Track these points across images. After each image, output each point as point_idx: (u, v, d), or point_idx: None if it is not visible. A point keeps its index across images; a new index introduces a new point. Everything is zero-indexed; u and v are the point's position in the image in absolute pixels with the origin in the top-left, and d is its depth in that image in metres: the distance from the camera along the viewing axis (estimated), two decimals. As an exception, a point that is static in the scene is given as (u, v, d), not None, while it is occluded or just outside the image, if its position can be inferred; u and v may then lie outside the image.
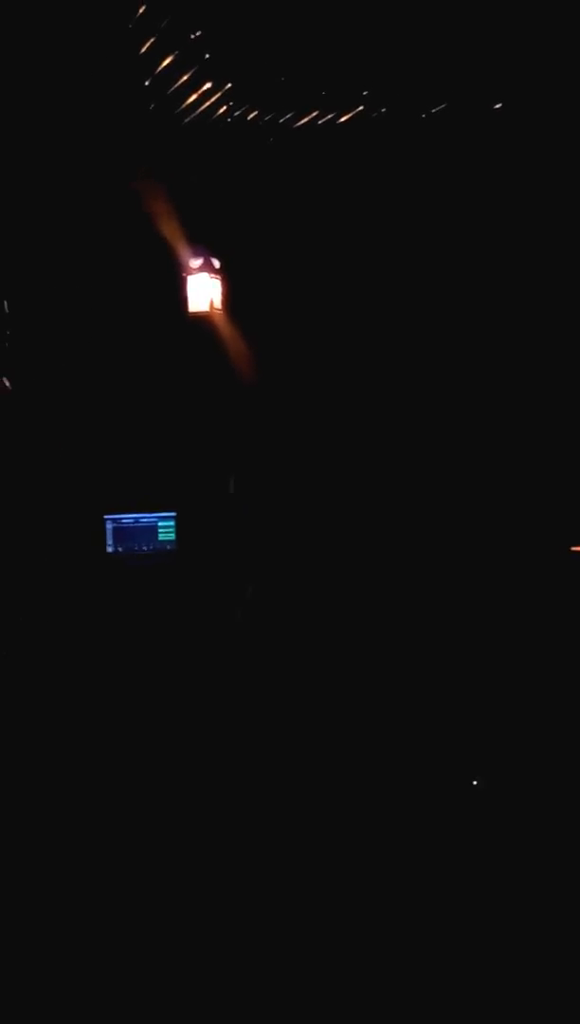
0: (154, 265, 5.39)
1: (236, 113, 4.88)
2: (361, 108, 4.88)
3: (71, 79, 4.46)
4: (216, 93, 4.67)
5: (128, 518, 5.54)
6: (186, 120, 4.90)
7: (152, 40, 4.21)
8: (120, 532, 5.53)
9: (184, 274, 5.39)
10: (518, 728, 4.46)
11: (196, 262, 5.36)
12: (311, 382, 5.55)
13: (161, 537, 5.55)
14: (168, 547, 5.55)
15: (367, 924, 3.13)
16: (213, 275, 5.39)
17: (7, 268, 5.23)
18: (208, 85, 4.60)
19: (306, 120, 4.98)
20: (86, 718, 4.70)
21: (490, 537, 5.35)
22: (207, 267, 5.37)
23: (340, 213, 5.47)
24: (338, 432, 5.55)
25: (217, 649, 5.27)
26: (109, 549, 5.51)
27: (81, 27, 4.08)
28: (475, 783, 4.11)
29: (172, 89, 4.61)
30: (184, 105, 4.76)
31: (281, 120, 4.97)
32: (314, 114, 4.92)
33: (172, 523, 5.55)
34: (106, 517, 5.52)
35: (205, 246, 5.36)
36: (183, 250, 5.35)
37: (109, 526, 5.52)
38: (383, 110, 4.91)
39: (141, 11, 3.99)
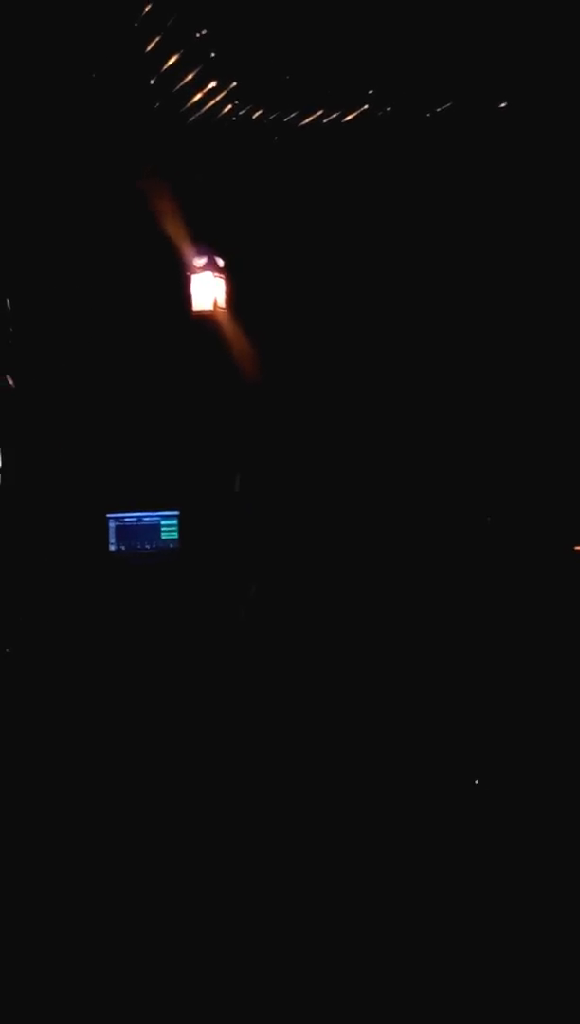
0: (158, 264, 5.39)
1: (241, 112, 4.88)
2: (366, 107, 4.88)
3: (77, 77, 4.46)
4: (221, 92, 4.67)
5: (131, 516, 5.54)
6: (191, 119, 4.90)
7: (158, 38, 4.20)
8: (123, 531, 5.53)
9: (188, 273, 5.38)
10: (521, 727, 4.45)
11: (200, 261, 5.36)
12: (315, 381, 5.54)
13: (164, 536, 5.55)
14: (171, 546, 5.54)
15: (367, 923, 3.13)
16: (217, 274, 5.39)
17: (11, 266, 5.23)
18: (213, 84, 4.60)
19: (311, 119, 4.98)
20: (89, 716, 4.70)
21: (494, 536, 5.35)
22: (211, 266, 5.36)
23: (345, 212, 5.47)
24: (341, 431, 5.55)
25: (220, 648, 5.27)
26: (112, 548, 5.51)
27: (87, 25, 4.08)
28: (476, 783, 4.11)
29: (177, 87, 4.61)
30: (189, 103, 4.76)
31: (286, 119, 4.97)
32: (319, 113, 4.92)
33: (175, 522, 5.55)
34: (109, 515, 5.52)
35: (209, 245, 5.36)
36: (187, 249, 5.34)
37: (112, 524, 5.52)
38: (388, 109, 4.91)
39: (147, 9, 3.99)
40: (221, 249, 5.39)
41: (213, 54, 4.35)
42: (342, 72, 4.57)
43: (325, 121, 4.99)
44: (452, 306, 5.49)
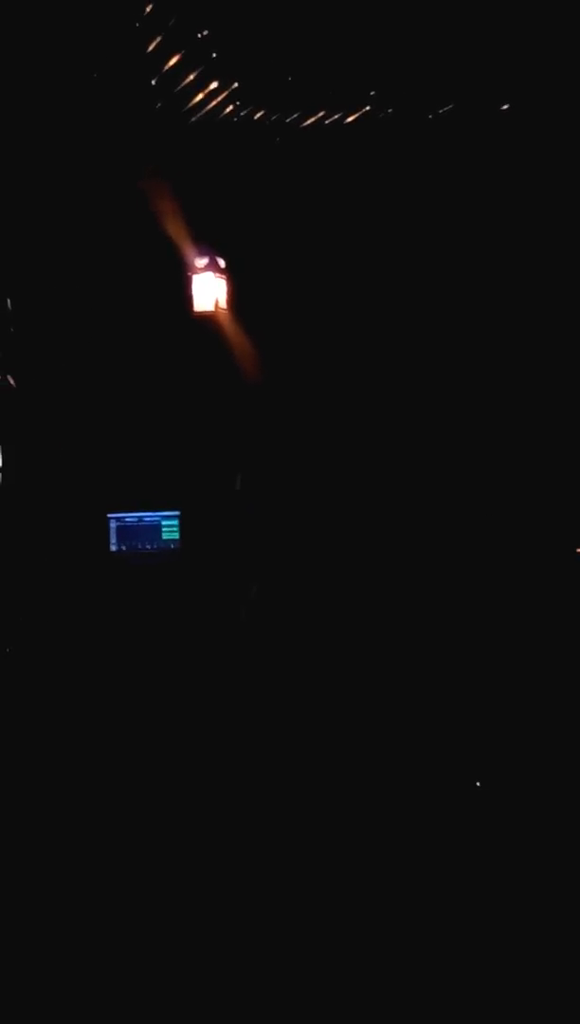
0: (160, 264, 5.39)
1: (243, 112, 4.88)
2: (368, 108, 4.88)
3: (78, 77, 4.46)
4: (223, 92, 4.67)
5: (132, 517, 5.54)
6: (193, 119, 4.91)
7: (159, 39, 4.21)
8: (124, 531, 5.53)
9: (189, 273, 5.39)
10: (523, 729, 4.45)
11: (202, 261, 5.36)
12: (316, 381, 5.54)
13: (165, 536, 5.55)
14: (172, 546, 5.54)
15: (367, 922, 3.12)
16: (218, 274, 5.39)
17: (13, 266, 5.23)
18: (215, 84, 4.61)
19: (313, 120, 4.98)
20: (89, 716, 4.70)
21: (495, 537, 5.34)
22: (212, 266, 5.37)
23: (346, 213, 5.47)
24: (343, 431, 5.55)
25: (221, 648, 5.27)
26: (112, 548, 5.51)
27: (88, 26, 4.09)
28: (478, 784, 4.11)
29: (179, 88, 4.61)
30: (191, 104, 4.77)
31: (288, 120, 4.98)
32: (321, 114, 4.92)
33: (176, 522, 5.55)
34: (110, 516, 5.52)
35: (211, 245, 5.36)
36: (189, 249, 5.35)
37: (113, 525, 5.52)
38: (390, 110, 4.91)
39: (148, 9, 4.00)
40: (222, 250, 5.40)
41: (215, 55, 4.36)
42: (344, 74, 4.58)
43: (327, 122, 4.99)
44: (454, 307, 5.49)
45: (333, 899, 3.26)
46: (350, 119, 4.97)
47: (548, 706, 4.57)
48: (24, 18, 4.01)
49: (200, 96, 4.70)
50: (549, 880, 3.33)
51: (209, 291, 5.39)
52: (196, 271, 5.38)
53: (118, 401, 5.50)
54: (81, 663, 5.04)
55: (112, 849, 3.61)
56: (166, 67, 4.42)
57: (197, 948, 3.01)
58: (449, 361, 5.48)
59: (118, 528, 5.52)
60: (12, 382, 5.20)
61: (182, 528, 5.55)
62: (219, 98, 4.72)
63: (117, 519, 5.53)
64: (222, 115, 4.88)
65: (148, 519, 5.55)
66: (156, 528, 5.54)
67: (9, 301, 5.21)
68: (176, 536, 5.55)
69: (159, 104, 4.74)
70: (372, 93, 4.74)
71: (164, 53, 4.32)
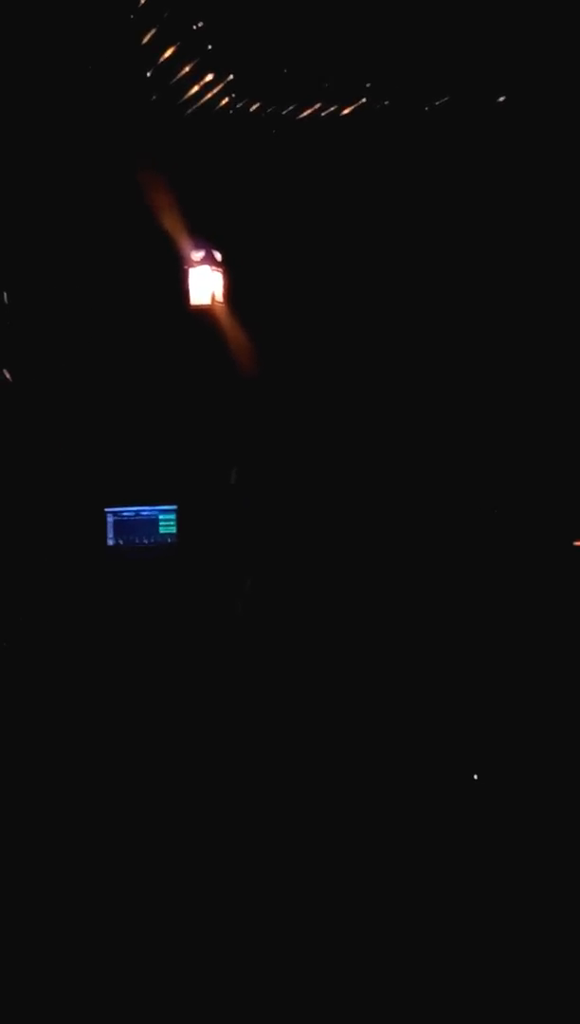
0: (156, 257, 5.37)
1: (238, 105, 4.87)
2: (364, 100, 4.86)
3: (73, 70, 4.45)
4: (218, 84, 4.66)
5: (129, 511, 5.53)
6: (188, 112, 4.89)
7: (154, 31, 4.20)
8: (121, 525, 5.52)
9: (186, 267, 5.37)
10: (520, 722, 4.45)
11: (198, 255, 5.34)
12: (312, 375, 5.53)
13: (162, 530, 5.54)
14: (169, 540, 5.54)
15: (367, 918, 3.13)
16: (215, 268, 5.37)
17: (7, 259, 5.22)
18: (210, 76, 4.60)
19: (309, 112, 4.96)
20: (86, 710, 4.71)
21: (492, 530, 5.34)
22: (209, 260, 5.35)
23: (342, 206, 5.45)
24: (339, 425, 5.54)
25: (217, 642, 5.27)
26: (110, 542, 5.50)
27: (83, 18, 4.07)
28: (475, 777, 4.12)
29: (174, 80, 4.60)
30: (186, 96, 4.76)
31: (283, 112, 4.96)
32: (317, 106, 4.91)
33: (173, 516, 5.54)
34: (107, 510, 5.51)
35: (207, 238, 5.34)
36: (185, 242, 5.33)
37: (110, 519, 5.51)
38: (386, 103, 4.90)
39: (143, 2, 3.98)
40: (219, 243, 5.38)
41: (210, 46, 4.34)
42: (340, 65, 4.57)
43: (323, 114, 4.98)
44: (451, 299, 5.47)
45: (330, 891, 3.27)
46: (346, 111, 4.96)
47: (547, 697, 4.58)
48: (18, 11, 3.99)
49: (195, 88, 4.69)
50: (546, 872, 3.34)
51: (205, 284, 5.37)
52: (192, 264, 5.37)
53: (115, 395, 5.48)
54: (78, 657, 5.04)
55: (111, 840, 3.62)
56: (161, 59, 4.41)
57: (195, 941, 3.02)
58: (446, 353, 5.48)
59: (115, 522, 5.51)
60: (8, 376, 5.19)
61: (179, 522, 5.55)
62: (215, 90, 4.71)
63: (114, 513, 5.52)
64: (218, 107, 4.87)
65: (145, 513, 5.54)
66: (153, 522, 5.54)
67: (5, 295, 5.19)
68: (173, 530, 5.54)
69: (154, 97, 4.73)
70: (368, 85, 4.73)
71: (159, 45, 4.31)
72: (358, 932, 3.05)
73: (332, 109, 4.93)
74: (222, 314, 5.44)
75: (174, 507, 5.55)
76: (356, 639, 5.16)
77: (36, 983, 2.83)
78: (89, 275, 5.41)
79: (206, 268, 5.36)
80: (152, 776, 4.14)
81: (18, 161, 5.03)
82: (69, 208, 5.28)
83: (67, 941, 3.03)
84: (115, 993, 2.79)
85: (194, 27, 4.18)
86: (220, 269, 5.40)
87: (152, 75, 4.52)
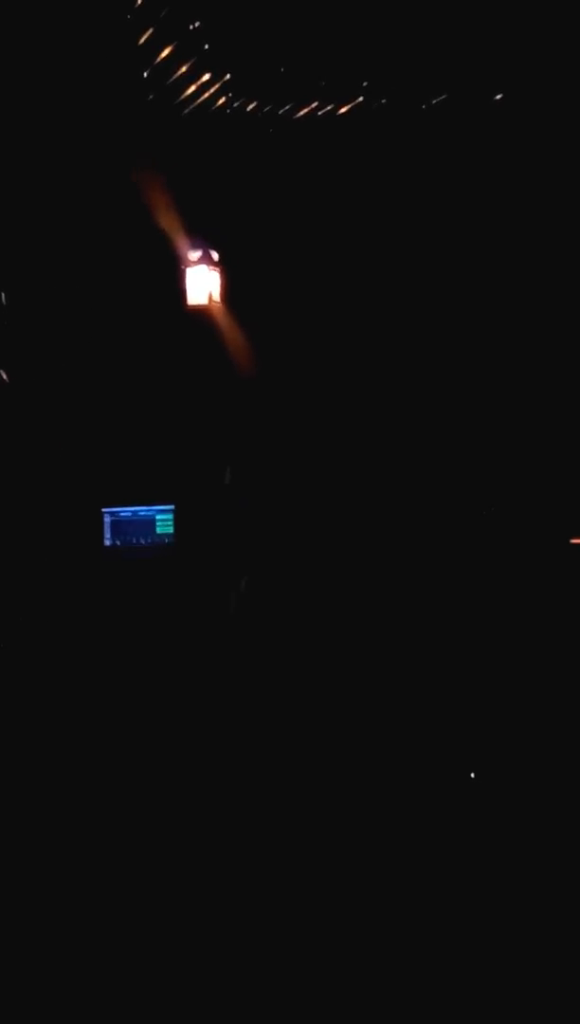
0: (153, 257, 5.36)
1: (235, 104, 4.85)
2: (361, 99, 4.85)
3: (70, 70, 4.43)
4: (215, 84, 4.65)
5: (126, 511, 5.52)
6: (185, 111, 4.88)
7: (151, 31, 4.19)
8: (118, 525, 5.51)
9: (183, 266, 5.36)
10: (519, 719, 4.46)
11: (195, 254, 5.33)
12: (309, 375, 5.53)
13: (159, 530, 5.54)
14: (166, 540, 5.53)
15: (366, 916, 3.13)
16: (212, 267, 5.36)
17: (5, 259, 5.20)
18: (207, 76, 4.58)
19: (306, 111, 4.95)
20: (83, 709, 4.71)
21: (490, 528, 5.35)
22: (206, 259, 5.34)
23: (340, 205, 5.44)
24: (335, 424, 5.54)
25: (214, 641, 5.27)
26: (107, 542, 5.50)
27: (80, 18, 4.06)
28: (472, 776, 4.12)
29: (171, 80, 4.59)
30: (183, 96, 4.74)
31: (280, 111, 4.95)
32: (314, 105, 4.90)
33: (170, 516, 5.54)
34: (104, 510, 5.50)
35: (204, 238, 5.33)
36: (182, 242, 5.32)
37: (107, 519, 5.50)
38: (383, 101, 4.89)
39: (140, 2, 3.97)
40: (216, 243, 5.37)
41: (207, 46, 4.33)
42: (337, 64, 4.56)
43: (320, 113, 4.96)
44: (449, 298, 5.47)
45: (328, 888, 3.27)
46: (343, 110, 4.95)
47: (544, 695, 4.59)
48: (15, 10, 3.97)
49: (192, 88, 4.67)
50: (544, 869, 3.35)
51: (202, 284, 5.36)
52: (189, 264, 5.35)
53: (111, 395, 5.47)
54: (77, 656, 5.04)
55: (110, 839, 3.62)
56: (158, 59, 4.40)
57: (194, 938, 3.02)
58: (444, 352, 5.47)
59: (112, 523, 5.50)
60: (4, 376, 5.18)
61: (176, 522, 5.54)
62: (211, 90, 4.70)
63: (111, 514, 5.51)
64: (215, 107, 4.86)
65: (142, 513, 5.53)
66: (150, 522, 5.53)
67: (2, 295, 5.18)
68: (170, 530, 5.54)
69: (151, 96, 4.71)
70: (365, 84, 4.72)
71: (156, 45, 4.30)
72: (356, 928, 3.06)
73: (329, 108, 4.92)
74: (219, 314, 5.43)
75: (171, 507, 5.55)
76: (352, 637, 5.16)
77: (36, 983, 2.83)
78: (86, 275, 5.39)
79: (203, 268, 5.35)
80: (150, 773, 4.15)
81: (16, 161, 5.02)
82: (66, 208, 5.27)
83: (67, 941, 3.03)
84: (115, 992, 2.79)
85: (191, 27, 4.18)
86: (217, 269, 5.39)
87: (149, 75, 4.51)
